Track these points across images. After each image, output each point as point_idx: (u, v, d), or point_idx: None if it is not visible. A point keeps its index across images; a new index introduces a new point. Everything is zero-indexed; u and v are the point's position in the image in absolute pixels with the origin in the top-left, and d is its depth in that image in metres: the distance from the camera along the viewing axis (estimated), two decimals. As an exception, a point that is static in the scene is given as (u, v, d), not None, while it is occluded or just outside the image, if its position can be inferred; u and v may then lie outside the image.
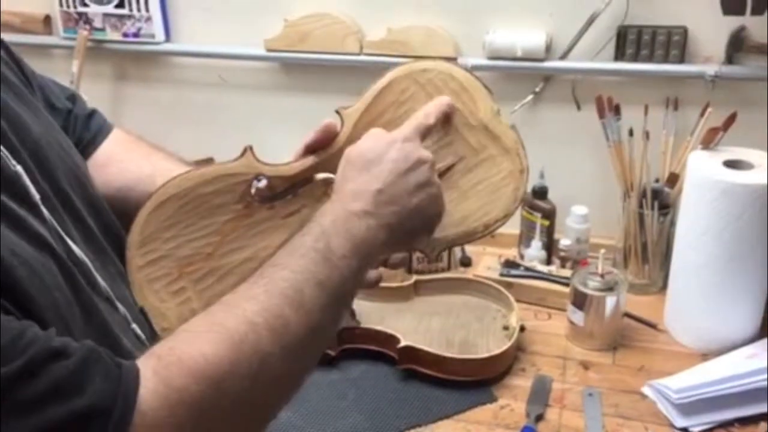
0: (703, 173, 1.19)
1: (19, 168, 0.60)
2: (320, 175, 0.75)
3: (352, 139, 0.74)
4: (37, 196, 0.61)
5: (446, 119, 0.76)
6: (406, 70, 0.76)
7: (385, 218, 0.68)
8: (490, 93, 0.76)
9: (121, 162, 0.86)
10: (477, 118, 0.76)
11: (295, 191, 0.74)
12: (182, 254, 0.72)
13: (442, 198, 0.73)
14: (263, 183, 0.74)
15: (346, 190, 0.69)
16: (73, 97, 0.87)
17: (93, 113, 0.89)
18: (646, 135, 1.37)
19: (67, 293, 0.59)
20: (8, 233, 0.55)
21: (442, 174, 0.76)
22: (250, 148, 0.74)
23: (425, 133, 0.73)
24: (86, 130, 0.86)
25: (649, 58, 1.39)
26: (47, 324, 0.53)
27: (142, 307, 0.71)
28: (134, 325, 0.70)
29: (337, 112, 0.76)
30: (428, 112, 0.74)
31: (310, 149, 0.76)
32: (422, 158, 0.71)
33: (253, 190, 0.73)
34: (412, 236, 0.72)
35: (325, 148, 0.75)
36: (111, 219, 0.75)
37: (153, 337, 0.72)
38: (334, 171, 0.73)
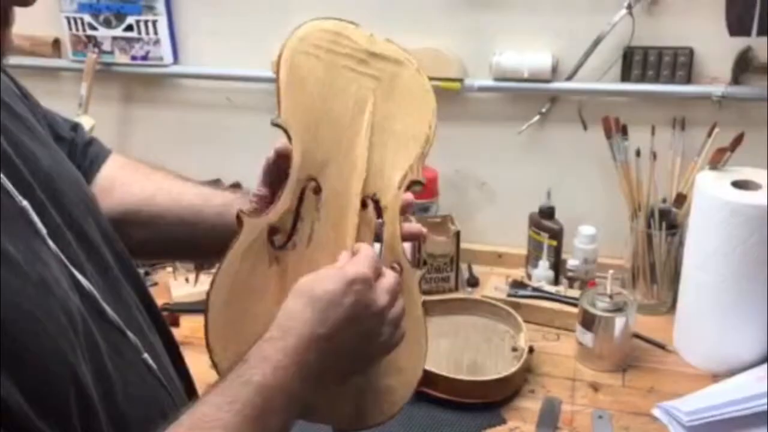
0: (711, 193, 1.19)
1: (25, 203, 0.60)
2: (308, 190, 0.75)
3: (305, 139, 0.74)
4: (44, 231, 0.60)
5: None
6: (290, 50, 0.76)
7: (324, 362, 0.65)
8: (357, 25, 0.80)
9: (123, 185, 0.88)
10: (361, 50, 0.79)
11: (300, 216, 0.75)
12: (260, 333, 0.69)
13: (391, 338, 0.70)
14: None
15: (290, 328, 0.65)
16: (75, 127, 0.89)
17: (91, 141, 0.91)
18: (654, 155, 1.38)
19: (72, 337, 0.58)
20: (9, 280, 0.53)
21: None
22: (241, 210, 0.72)
23: (377, 269, 0.69)
24: (84, 157, 0.88)
25: (656, 79, 1.40)
26: (50, 373, 0.54)
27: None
28: (145, 355, 0.70)
29: (274, 124, 0.74)
30: (364, 255, 0.71)
31: (275, 176, 0.76)
32: (376, 308, 0.67)
33: (273, 243, 0.73)
34: (344, 374, 0.70)
35: (288, 169, 0.74)
36: (121, 246, 0.76)
37: (164, 369, 0.73)
38: (313, 175, 0.74)
